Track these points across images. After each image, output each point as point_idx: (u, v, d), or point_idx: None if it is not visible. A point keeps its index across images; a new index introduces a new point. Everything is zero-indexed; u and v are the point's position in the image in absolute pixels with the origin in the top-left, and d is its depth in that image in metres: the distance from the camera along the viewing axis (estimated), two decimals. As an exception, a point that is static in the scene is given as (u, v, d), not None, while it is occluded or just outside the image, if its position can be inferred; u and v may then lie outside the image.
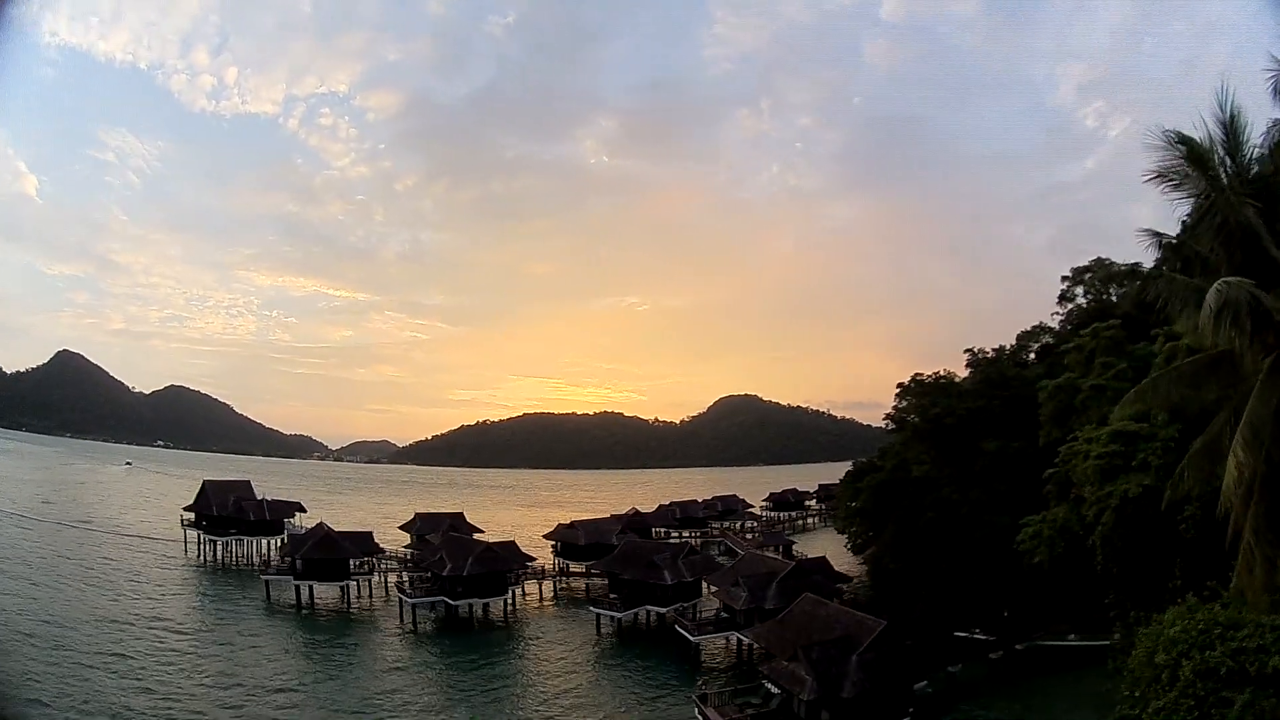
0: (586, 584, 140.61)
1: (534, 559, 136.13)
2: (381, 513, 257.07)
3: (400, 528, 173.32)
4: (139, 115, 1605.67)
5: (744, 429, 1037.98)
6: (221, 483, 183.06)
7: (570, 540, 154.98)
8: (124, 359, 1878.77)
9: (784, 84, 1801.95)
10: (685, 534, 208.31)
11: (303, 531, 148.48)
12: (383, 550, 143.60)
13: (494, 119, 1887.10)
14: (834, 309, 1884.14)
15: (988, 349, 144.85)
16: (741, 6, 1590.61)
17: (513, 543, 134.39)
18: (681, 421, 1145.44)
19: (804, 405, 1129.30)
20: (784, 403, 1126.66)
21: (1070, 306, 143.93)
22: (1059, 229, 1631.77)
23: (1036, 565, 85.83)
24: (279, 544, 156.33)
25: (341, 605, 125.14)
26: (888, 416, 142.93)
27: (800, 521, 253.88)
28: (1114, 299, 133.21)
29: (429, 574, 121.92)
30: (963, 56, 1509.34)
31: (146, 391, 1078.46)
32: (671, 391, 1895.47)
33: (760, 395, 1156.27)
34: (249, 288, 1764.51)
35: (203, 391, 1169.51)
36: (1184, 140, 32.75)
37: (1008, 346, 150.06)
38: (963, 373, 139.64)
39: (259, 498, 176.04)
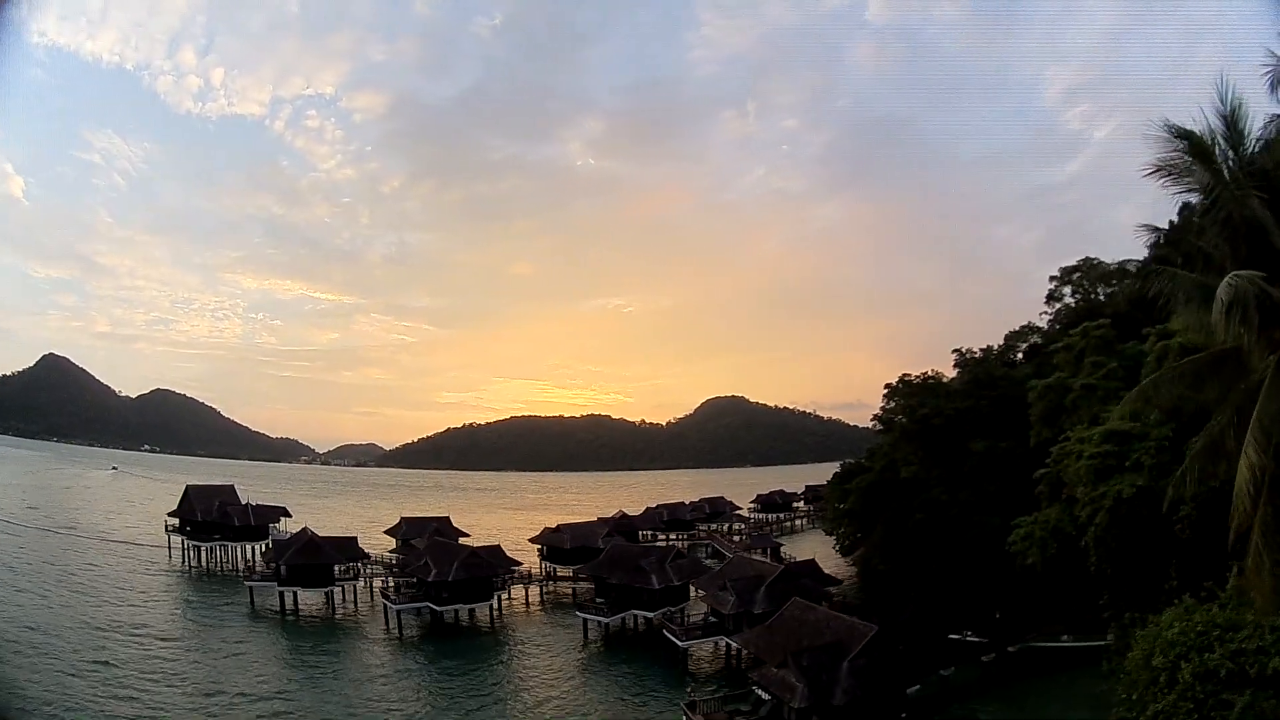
0: (573, 588, 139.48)
1: (520, 563, 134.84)
2: (367, 517, 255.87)
3: (386, 532, 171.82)
4: (125, 116, 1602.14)
5: (731, 430, 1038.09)
6: (205, 487, 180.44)
7: (556, 544, 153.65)
8: (110, 362, 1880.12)
9: (770, 86, 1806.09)
10: (672, 536, 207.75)
11: (287, 537, 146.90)
12: (367, 555, 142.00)
13: (480, 120, 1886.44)
14: (821, 310, 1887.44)
15: (975, 349, 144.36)
16: (728, 8, 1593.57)
17: (498, 547, 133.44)
18: (668, 423, 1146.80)
19: (791, 406, 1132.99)
20: (771, 404, 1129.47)
21: (1058, 306, 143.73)
22: (1046, 230, 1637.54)
23: (1028, 566, 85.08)
24: (263, 549, 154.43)
25: (326, 611, 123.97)
26: (875, 417, 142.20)
27: (788, 523, 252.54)
28: (1102, 298, 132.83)
29: (414, 579, 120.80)
30: (949, 58, 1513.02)
31: (132, 395, 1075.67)
32: (658, 393, 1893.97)
33: (747, 396, 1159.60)
34: (235, 290, 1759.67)
35: (189, 395, 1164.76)
36: (1184, 134, 31.96)
37: (995, 347, 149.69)
38: (951, 373, 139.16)
39: (243, 502, 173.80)
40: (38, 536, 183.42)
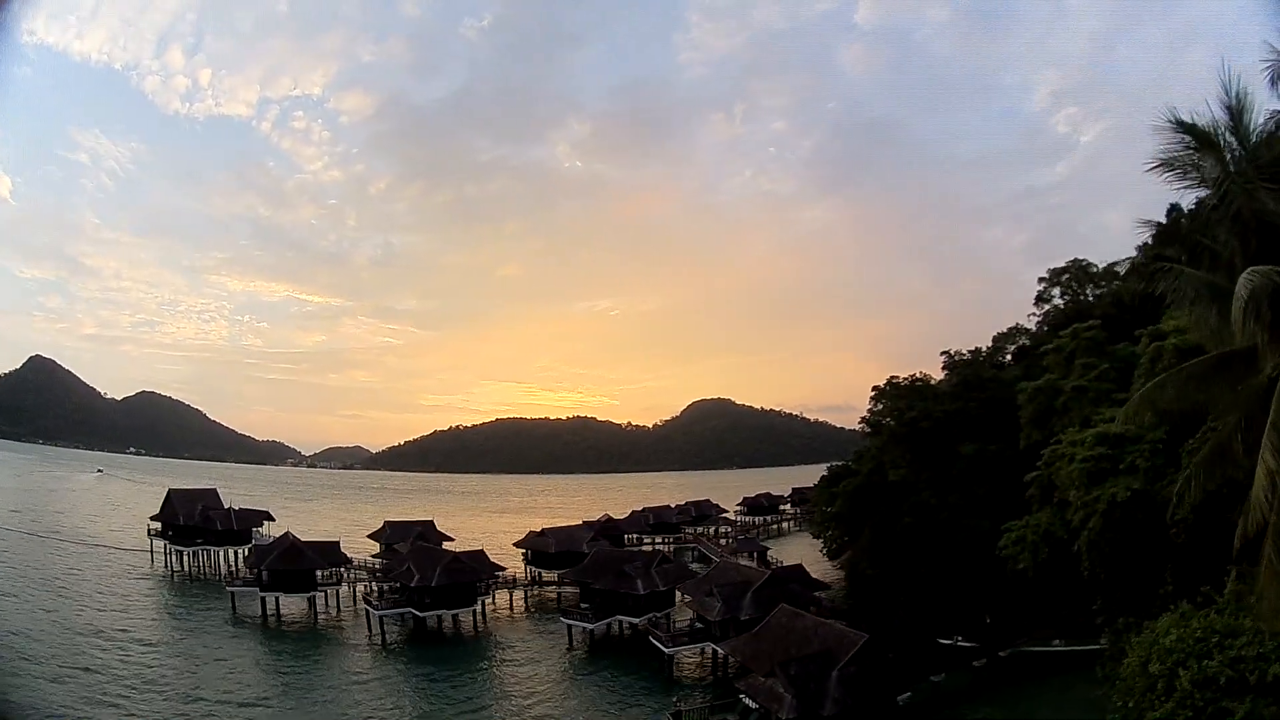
0: (558, 593, 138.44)
1: (504, 568, 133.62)
2: (351, 520, 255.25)
3: (369, 536, 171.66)
4: (113, 116, 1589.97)
5: (717, 433, 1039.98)
6: (188, 491, 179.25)
7: (541, 548, 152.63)
8: (96, 364, 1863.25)
9: (758, 88, 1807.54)
10: (658, 540, 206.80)
11: (270, 541, 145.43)
12: (350, 560, 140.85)
13: (468, 122, 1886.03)
14: (807, 313, 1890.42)
15: (964, 351, 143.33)
16: (717, 11, 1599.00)
17: (481, 552, 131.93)
18: (654, 426, 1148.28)
19: (777, 409, 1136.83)
20: (757, 406, 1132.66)
21: (1047, 308, 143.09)
22: (1034, 232, 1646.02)
23: (1019, 571, 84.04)
24: (245, 554, 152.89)
25: (308, 617, 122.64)
26: (863, 420, 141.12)
27: (775, 526, 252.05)
28: (1091, 300, 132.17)
29: (397, 584, 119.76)
30: (938, 61, 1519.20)
31: (118, 397, 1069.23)
32: (644, 396, 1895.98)
33: (734, 399, 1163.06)
34: (221, 292, 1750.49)
35: (174, 397, 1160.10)
36: (1189, 127, 30.85)
37: (984, 349, 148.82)
38: (939, 375, 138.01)
39: (226, 506, 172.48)
40: (20, 540, 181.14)
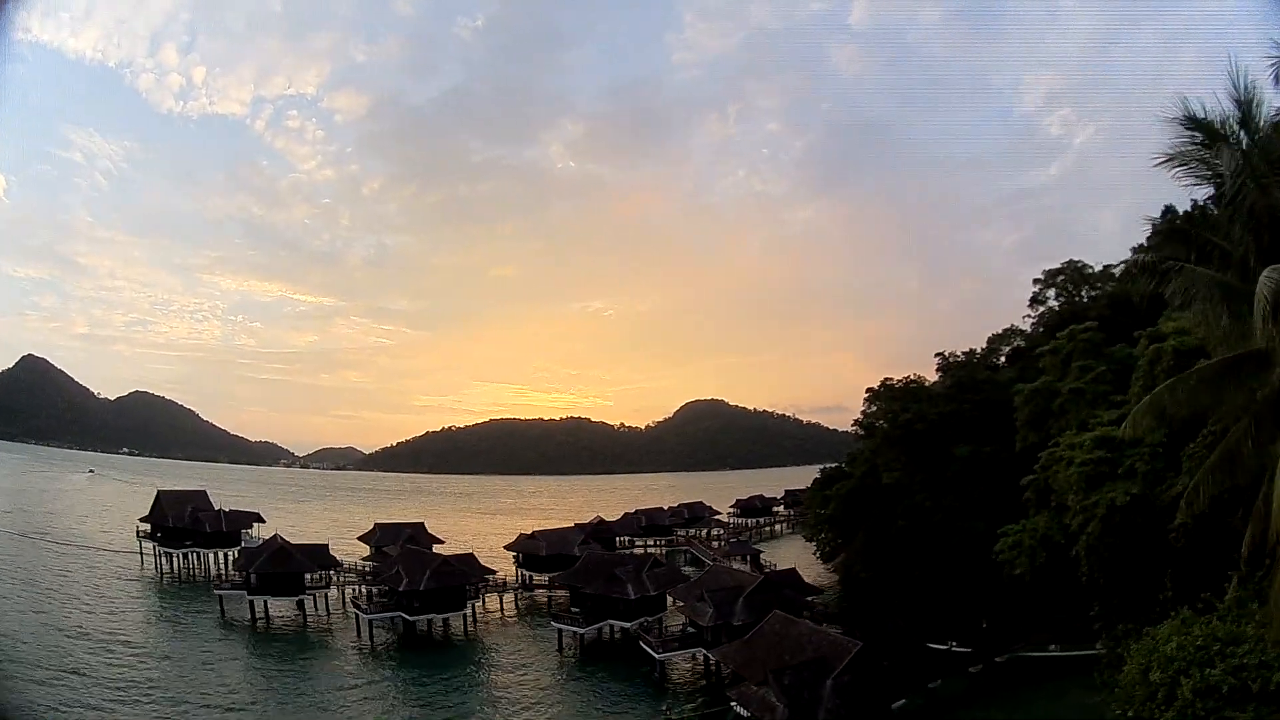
0: (549, 596, 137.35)
1: (494, 572, 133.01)
2: (343, 522, 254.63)
3: (360, 538, 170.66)
4: (107, 115, 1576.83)
5: (710, 434, 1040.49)
6: (177, 493, 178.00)
7: (532, 551, 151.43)
8: (88, 364, 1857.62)
9: (752, 89, 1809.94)
10: (650, 543, 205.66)
11: (259, 543, 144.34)
12: (339, 563, 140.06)
13: (461, 122, 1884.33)
14: (800, 314, 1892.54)
15: (958, 353, 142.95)
16: (711, 12, 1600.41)
17: (471, 555, 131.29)
18: (647, 427, 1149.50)
19: (770, 410, 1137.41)
20: (750, 407, 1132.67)
21: (1042, 309, 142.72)
22: (1026, 233, 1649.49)
23: (1015, 575, 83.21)
24: (234, 557, 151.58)
25: (297, 621, 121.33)
26: (856, 423, 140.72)
27: (768, 528, 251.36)
28: (1086, 301, 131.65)
29: (386, 588, 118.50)
30: (931, 63, 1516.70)
31: (111, 397, 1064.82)
32: (637, 397, 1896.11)
33: (727, 400, 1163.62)
34: (214, 292, 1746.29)
35: (167, 397, 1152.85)
36: (1198, 123, 29.91)
37: (978, 350, 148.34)
38: (933, 377, 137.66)
39: (216, 508, 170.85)
40: (9, 541, 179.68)
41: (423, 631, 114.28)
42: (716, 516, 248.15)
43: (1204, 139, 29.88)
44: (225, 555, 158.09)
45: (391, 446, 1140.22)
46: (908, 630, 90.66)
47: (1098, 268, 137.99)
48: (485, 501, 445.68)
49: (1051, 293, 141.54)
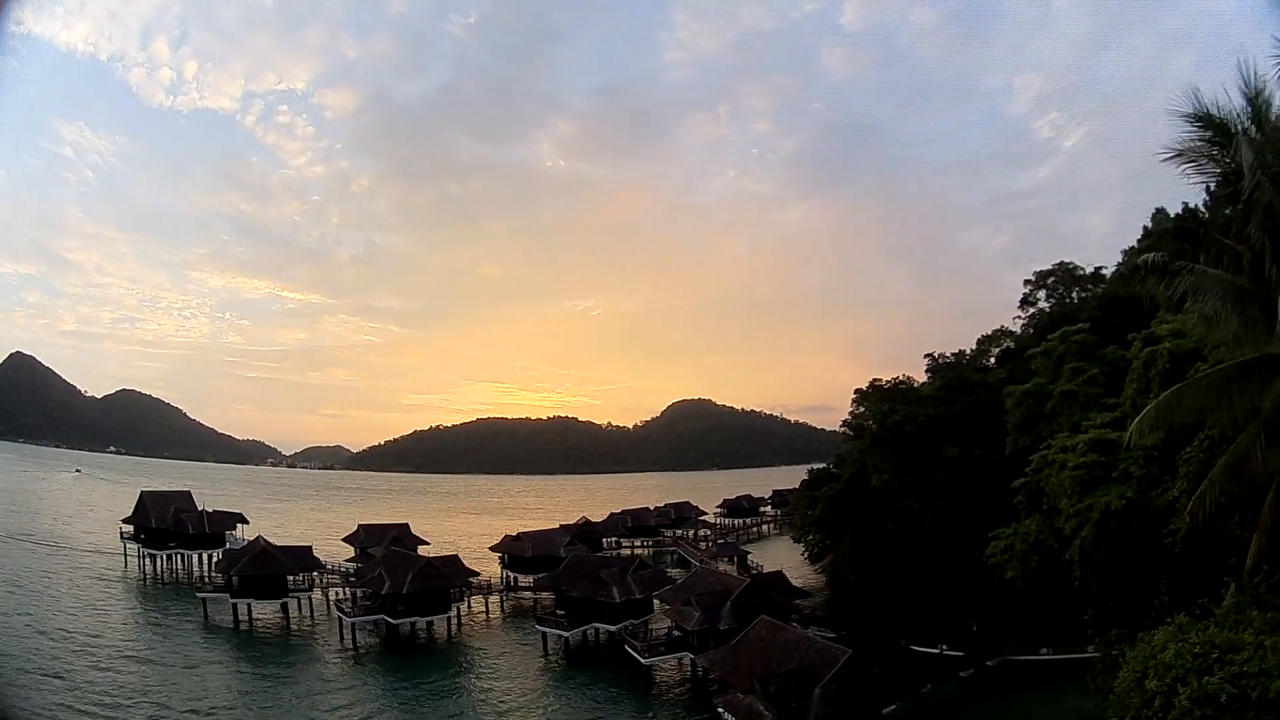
0: (534, 598, 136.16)
1: (478, 574, 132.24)
2: (328, 522, 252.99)
3: (344, 539, 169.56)
4: (97, 109, 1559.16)
5: (698, 433, 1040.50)
6: (160, 493, 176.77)
7: (517, 553, 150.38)
8: (76, 361, 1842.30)
9: (743, 89, 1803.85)
10: (637, 543, 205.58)
11: (243, 544, 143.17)
12: (323, 565, 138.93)
13: (452, 120, 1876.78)
14: (788, 313, 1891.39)
15: (948, 354, 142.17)
16: (703, 11, 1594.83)
17: (455, 557, 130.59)
18: (635, 426, 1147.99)
19: (758, 409, 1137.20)
20: (738, 407, 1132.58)
21: (1032, 310, 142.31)
22: (1015, 235, 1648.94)
23: (1007, 579, 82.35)
24: (217, 558, 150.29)
25: (281, 624, 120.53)
26: (845, 424, 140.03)
27: (755, 529, 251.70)
28: (1077, 302, 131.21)
29: (370, 591, 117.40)
30: (922, 65, 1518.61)
31: (98, 395, 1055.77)
32: (625, 396, 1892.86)
33: (714, 399, 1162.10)
34: (202, 289, 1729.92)
35: (155, 396, 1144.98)
36: (1208, 120, 28.82)
37: (968, 351, 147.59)
38: (922, 378, 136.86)
39: (199, 508, 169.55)
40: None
41: (406, 635, 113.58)
42: (703, 517, 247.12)
43: (1213, 135, 28.79)
44: (209, 557, 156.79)
45: (379, 445, 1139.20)
46: (897, 633, 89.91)
47: (1088, 270, 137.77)
48: (472, 501, 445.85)
49: (1042, 294, 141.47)
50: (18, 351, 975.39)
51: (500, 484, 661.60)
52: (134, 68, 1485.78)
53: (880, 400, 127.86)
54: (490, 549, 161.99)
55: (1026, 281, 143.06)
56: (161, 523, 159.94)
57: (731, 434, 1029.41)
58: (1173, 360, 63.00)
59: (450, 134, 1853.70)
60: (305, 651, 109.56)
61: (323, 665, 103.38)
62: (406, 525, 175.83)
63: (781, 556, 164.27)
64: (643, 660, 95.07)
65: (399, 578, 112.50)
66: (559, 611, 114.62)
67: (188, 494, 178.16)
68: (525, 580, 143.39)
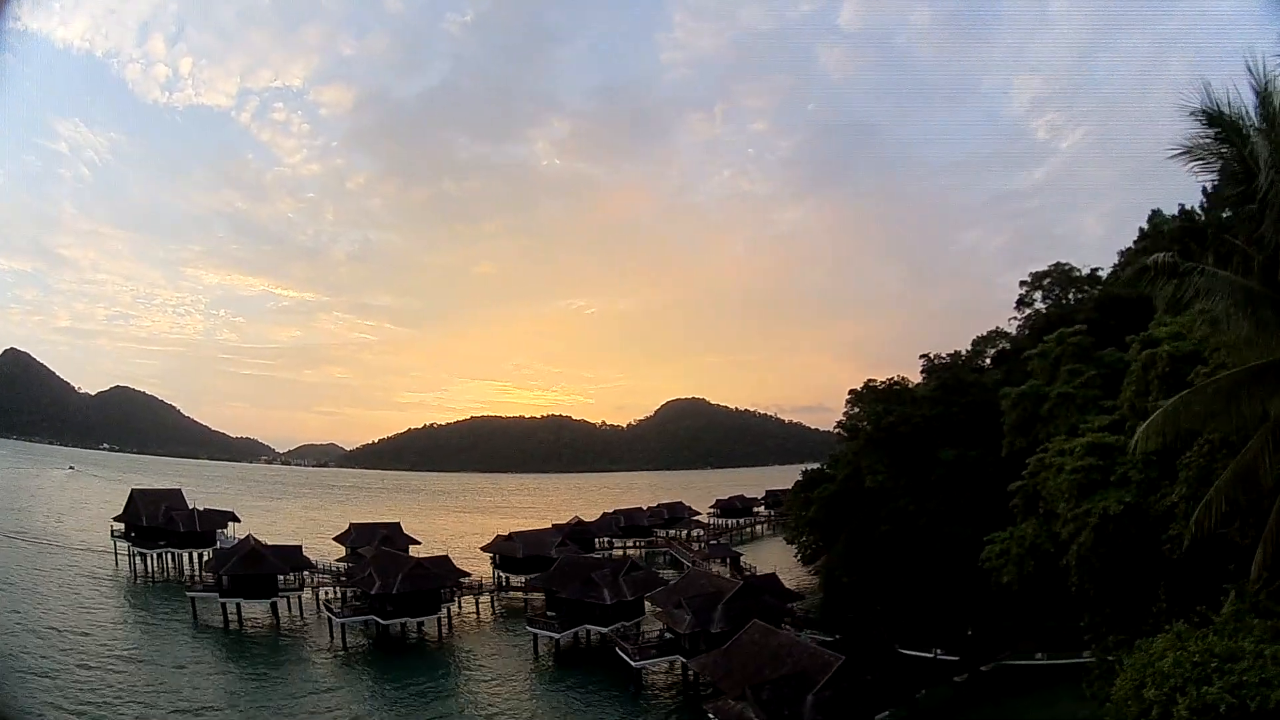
0: (526, 599, 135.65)
1: (468, 574, 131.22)
2: (320, 521, 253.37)
3: (335, 539, 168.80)
4: (93, 105, 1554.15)
5: (692, 432, 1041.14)
6: (151, 491, 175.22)
7: (509, 553, 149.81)
8: (70, 358, 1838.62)
9: (740, 89, 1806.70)
10: (630, 543, 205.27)
11: (233, 543, 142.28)
12: (313, 564, 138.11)
13: (448, 118, 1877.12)
14: (783, 313, 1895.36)
15: (943, 354, 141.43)
16: (701, 11, 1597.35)
17: (446, 557, 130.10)
18: (629, 425, 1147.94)
19: (752, 409, 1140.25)
20: (732, 406, 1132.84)
21: (1028, 312, 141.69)
22: (1011, 236, 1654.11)
23: (1004, 584, 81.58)
24: (207, 557, 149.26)
25: (271, 623, 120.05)
26: (839, 424, 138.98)
27: (748, 529, 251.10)
28: (1073, 304, 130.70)
29: (359, 591, 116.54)
30: (920, 66, 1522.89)
31: (92, 392, 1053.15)
32: (619, 395, 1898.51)
33: (708, 399, 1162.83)
34: (197, 286, 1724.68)
35: (149, 393, 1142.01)
36: (1218, 118, 27.96)
37: (964, 352, 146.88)
38: (917, 378, 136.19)
39: (190, 507, 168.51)
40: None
41: (396, 635, 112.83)
42: (696, 517, 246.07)
43: (1220, 132, 27.91)
44: (200, 555, 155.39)
45: (374, 443, 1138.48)
46: (891, 637, 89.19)
47: (1084, 271, 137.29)
48: (465, 500, 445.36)
49: (1038, 295, 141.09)
50: (12, 348, 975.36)
51: (494, 482, 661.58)
52: (130, 64, 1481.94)
53: (875, 401, 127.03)
54: (482, 549, 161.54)
55: (1022, 283, 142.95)
56: (152, 521, 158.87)
57: (725, 433, 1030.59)
58: (1172, 363, 62.42)
59: (447, 132, 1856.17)
60: (294, 652, 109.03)
61: (312, 666, 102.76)
62: (398, 524, 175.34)
63: (775, 558, 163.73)
64: (633, 663, 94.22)
65: (389, 578, 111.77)
66: (550, 613, 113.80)
67: (178, 492, 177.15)
68: (517, 581, 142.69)
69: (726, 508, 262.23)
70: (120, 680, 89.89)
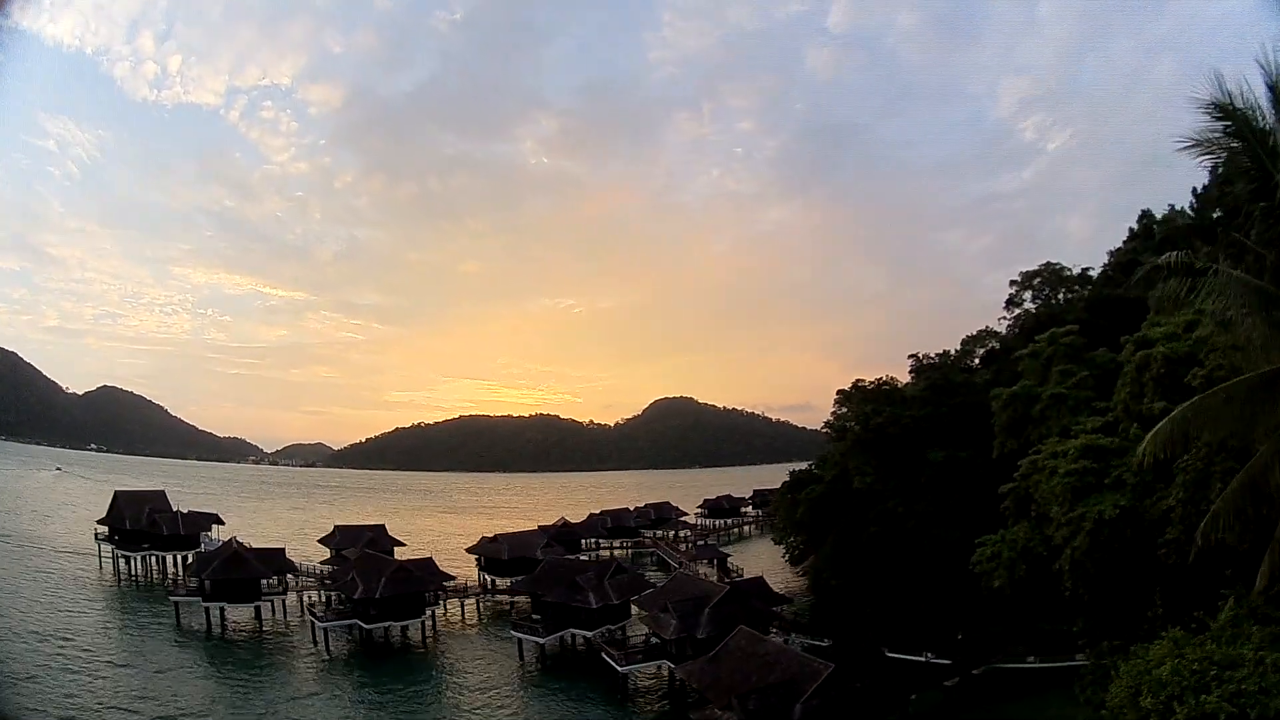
0: (511, 602, 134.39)
1: (453, 577, 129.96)
2: (306, 522, 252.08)
3: (320, 541, 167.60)
4: (82, 102, 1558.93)
5: (679, 431, 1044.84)
6: (134, 493, 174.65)
7: (494, 555, 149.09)
8: (58, 357, 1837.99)
9: (727, 89, 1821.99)
10: (616, 544, 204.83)
11: (217, 545, 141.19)
12: (296, 568, 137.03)
13: (435, 116, 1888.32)
14: (770, 312, 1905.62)
15: (932, 354, 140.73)
16: (689, 11, 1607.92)
17: (430, 560, 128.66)
18: (616, 424, 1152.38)
19: (739, 407, 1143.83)
20: (719, 405, 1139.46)
21: (1018, 311, 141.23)
22: (995, 236, 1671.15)
23: (992, 586, 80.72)
24: (187, 560, 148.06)
25: (254, 628, 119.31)
26: (827, 425, 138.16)
27: (735, 529, 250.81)
28: (1063, 303, 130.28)
29: (344, 595, 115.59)
30: (907, 67, 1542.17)
31: (80, 392, 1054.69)
32: (607, 393, 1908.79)
33: (696, 397, 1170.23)
34: (184, 285, 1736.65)
35: (136, 393, 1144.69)
36: (1230, 113, 26.87)
37: (952, 352, 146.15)
38: (904, 377, 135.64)
39: (174, 508, 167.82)
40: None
41: (380, 640, 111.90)
42: (684, 518, 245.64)
43: (1232, 126, 26.85)
44: (182, 558, 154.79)
45: (361, 443, 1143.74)
46: (880, 641, 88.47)
47: (1075, 271, 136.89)
48: (452, 499, 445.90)
49: (1028, 295, 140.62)
50: (0, 348, 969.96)
51: (481, 482, 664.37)
52: (119, 61, 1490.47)
53: (863, 401, 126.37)
54: (467, 550, 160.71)
55: (1012, 282, 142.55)
56: (135, 523, 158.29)
57: (713, 432, 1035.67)
58: (1168, 365, 61.61)
59: (433, 130, 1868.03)
60: (277, 656, 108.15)
61: (294, 671, 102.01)
62: (383, 526, 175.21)
63: (763, 559, 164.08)
64: (619, 668, 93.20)
65: (372, 582, 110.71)
66: (535, 616, 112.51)
67: (162, 494, 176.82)
68: (502, 583, 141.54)
69: (714, 508, 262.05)
70: (103, 685, 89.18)
